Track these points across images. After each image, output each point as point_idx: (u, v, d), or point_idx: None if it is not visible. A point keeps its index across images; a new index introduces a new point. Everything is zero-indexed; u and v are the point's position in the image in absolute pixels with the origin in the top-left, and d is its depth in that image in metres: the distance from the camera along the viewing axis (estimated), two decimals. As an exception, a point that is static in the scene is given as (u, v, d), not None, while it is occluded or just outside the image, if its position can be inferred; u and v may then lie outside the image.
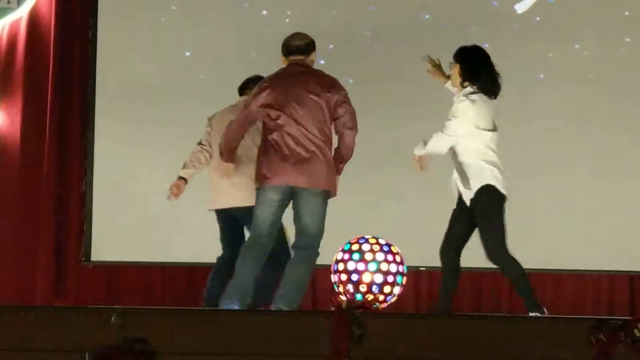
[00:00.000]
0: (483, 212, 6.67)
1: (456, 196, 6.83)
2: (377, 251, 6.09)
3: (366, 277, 6.02)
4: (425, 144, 6.75)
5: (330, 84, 6.70)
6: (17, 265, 9.02)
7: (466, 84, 6.76)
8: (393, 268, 6.08)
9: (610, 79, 8.75)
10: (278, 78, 6.78)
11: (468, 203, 6.68)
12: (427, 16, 9.00)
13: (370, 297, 6.00)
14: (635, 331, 5.45)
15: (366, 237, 6.26)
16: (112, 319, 5.64)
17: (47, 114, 9.15)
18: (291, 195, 6.53)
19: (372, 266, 6.04)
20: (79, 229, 9.11)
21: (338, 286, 6.11)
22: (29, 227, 9.10)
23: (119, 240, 8.74)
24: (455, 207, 6.82)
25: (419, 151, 6.78)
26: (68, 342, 5.68)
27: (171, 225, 8.66)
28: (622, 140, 8.71)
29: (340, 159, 6.68)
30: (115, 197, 8.89)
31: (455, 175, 6.78)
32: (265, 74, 8.85)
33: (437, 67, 7.09)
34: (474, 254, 8.59)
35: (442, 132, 6.67)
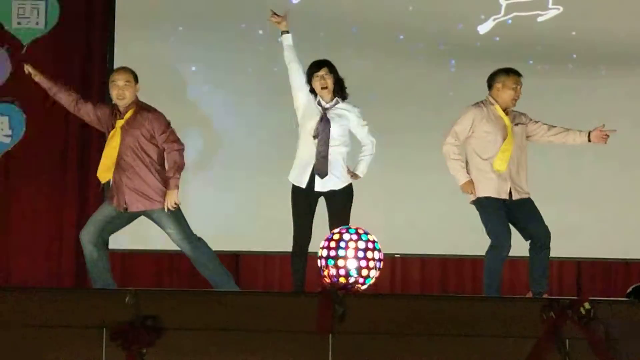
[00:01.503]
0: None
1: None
2: (357, 240, 6.06)
3: (347, 263, 6.00)
4: None
5: None
6: (45, 253, 9.00)
7: None
8: (371, 255, 6.05)
9: (559, 91, 8.78)
10: None
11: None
12: (402, 36, 9.01)
13: (350, 280, 5.98)
14: (581, 309, 5.47)
15: (348, 227, 6.23)
16: (127, 299, 5.63)
17: (70, 122, 9.12)
18: None
19: (352, 253, 6.02)
20: (98, 221, 9.08)
21: (323, 271, 6.09)
22: (55, 220, 9.08)
23: (133, 231, 8.65)
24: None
25: None
26: (88, 319, 5.66)
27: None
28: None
29: None
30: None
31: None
32: (260, 87, 8.94)
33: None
34: (439, 243, 8.68)
35: None
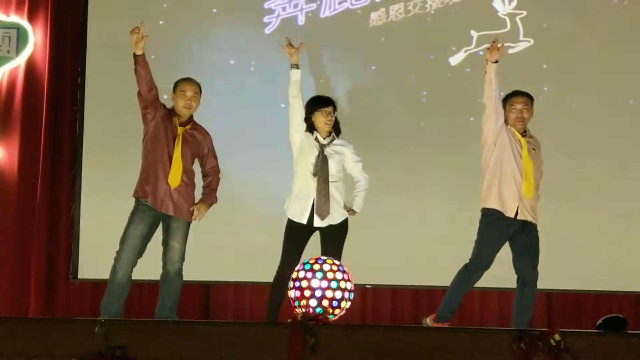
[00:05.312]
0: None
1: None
2: (330, 270, 6.08)
3: (318, 293, 6.00)
4: None
5: None
6: (12, 282, 8.95)
7: None
8: (343, 285, 6.07)
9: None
10: None
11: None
12: (373, 67, 9.08)
13: (321, 310, 5.98)
14: (552, 341, 5.50)
15: (321, 258, 6.25)
16: (96, 329, 5.61)
17: (41, 149, 9.11)
18: None
19: (324, 283, 6.03)
20: (68, 250, 9.05)
21: (294, 301, 6.09)
22: (24, 248, 9.03)
23: (103, 261, 8.60)
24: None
25: None
26: (57, 349, 5.65)
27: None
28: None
29: None
30: (99, 222, 8.83)
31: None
32: (234, 115, 8.95)
33: None
34: (410, 273, 8.70)
35: None
